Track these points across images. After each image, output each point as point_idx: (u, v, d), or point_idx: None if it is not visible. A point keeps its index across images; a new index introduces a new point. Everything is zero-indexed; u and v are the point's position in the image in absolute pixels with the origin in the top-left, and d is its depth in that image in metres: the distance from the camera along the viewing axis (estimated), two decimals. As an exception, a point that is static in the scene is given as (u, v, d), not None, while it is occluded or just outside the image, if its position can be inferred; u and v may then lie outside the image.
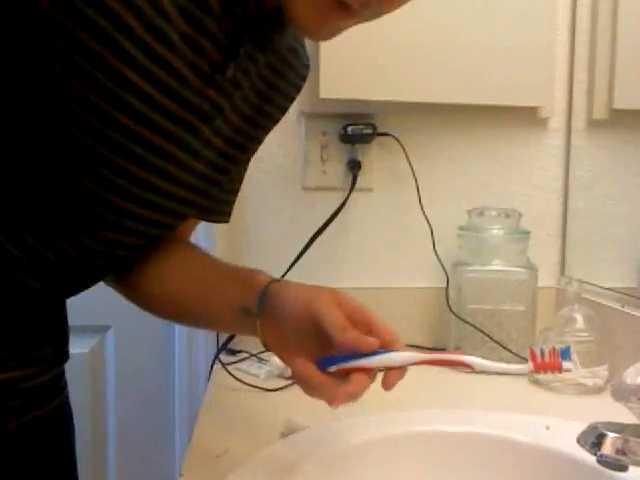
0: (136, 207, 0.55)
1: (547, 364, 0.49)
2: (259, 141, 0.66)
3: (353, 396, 0.50)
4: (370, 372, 0.52)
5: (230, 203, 0.70)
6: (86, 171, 0.52)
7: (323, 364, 0.52)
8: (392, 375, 0.51)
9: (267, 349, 0.58)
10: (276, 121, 0.67)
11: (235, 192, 0.70)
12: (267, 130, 0.66)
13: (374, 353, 0.51)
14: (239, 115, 0.60)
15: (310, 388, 0.52)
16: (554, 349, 0.49)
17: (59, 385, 0.67)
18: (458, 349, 0.96)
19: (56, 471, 0.67)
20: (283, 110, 0.66)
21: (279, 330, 0.55)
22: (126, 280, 0.65)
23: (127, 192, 0.54)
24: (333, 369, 0.51)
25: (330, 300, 0.53)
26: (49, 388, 0.64)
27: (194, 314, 0.64)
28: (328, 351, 0.53)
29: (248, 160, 0.69)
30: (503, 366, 0.53)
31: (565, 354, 0.49)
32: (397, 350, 0.52)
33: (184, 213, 0.62)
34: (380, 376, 0.52)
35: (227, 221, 0.71)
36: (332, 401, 0.51)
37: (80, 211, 0.54)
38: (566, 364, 0.49)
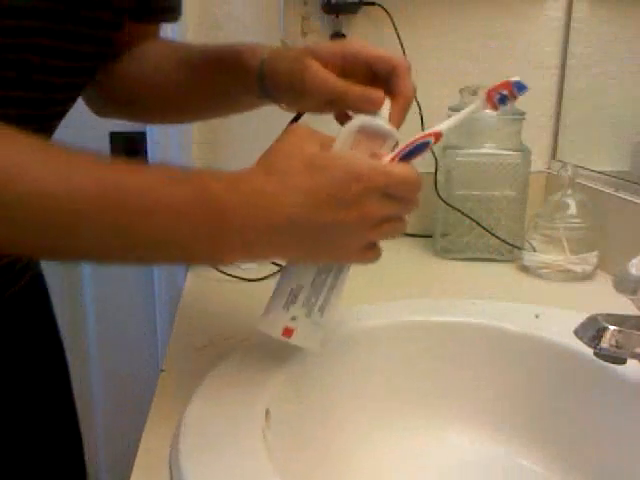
0: None
1: (497, 85, 0.49)
2: None
3: None
4: None
5: None
6: None
7: None
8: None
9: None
10: None
11: None
12: None
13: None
14: None
15: None
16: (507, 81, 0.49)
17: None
18: (445, 236, 0.93)
19: (41, 338, 0.68)
20: None
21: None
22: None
23: None
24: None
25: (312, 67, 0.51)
26: (17, 263, 0.62)
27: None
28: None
29: None
30: (462, 113, 0.50)
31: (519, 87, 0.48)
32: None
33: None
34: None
35: (177, 19, 0.67)
36: None
37: None
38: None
